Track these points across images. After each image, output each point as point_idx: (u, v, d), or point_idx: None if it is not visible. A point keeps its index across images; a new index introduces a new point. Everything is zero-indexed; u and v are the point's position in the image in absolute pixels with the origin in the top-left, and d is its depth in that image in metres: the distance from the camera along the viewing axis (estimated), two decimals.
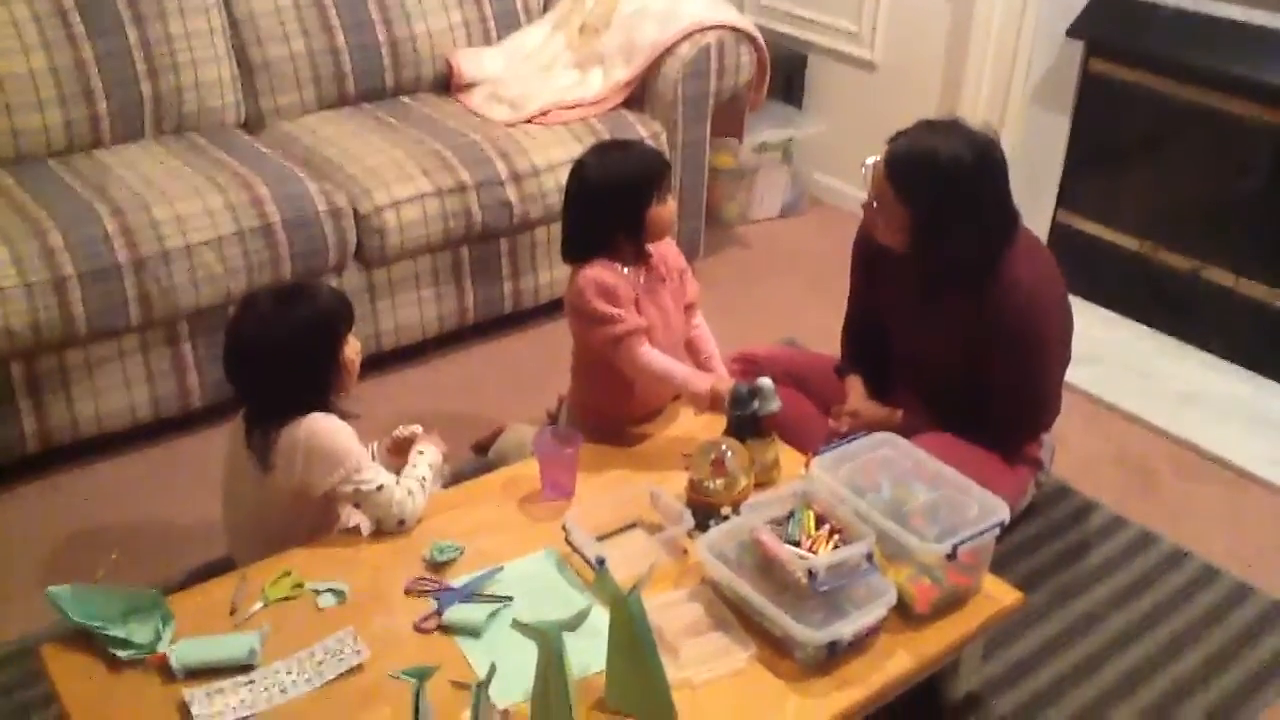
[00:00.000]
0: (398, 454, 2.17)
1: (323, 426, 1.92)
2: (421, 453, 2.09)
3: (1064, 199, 3.53)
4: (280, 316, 1.93)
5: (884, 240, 2.28)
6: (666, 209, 2.22)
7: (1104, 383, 3.07)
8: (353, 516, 2.04)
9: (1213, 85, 3.04)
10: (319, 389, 1.97)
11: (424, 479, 2.01)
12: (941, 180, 2.14)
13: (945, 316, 2.30)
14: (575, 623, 1.60)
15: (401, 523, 1.95)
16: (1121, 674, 2.18)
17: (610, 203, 2.19)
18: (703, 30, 3.26)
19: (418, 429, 2.19)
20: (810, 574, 1.75)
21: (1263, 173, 3.13)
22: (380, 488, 1.92)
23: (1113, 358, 3.19)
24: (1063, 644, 2.24)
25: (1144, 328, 3.36)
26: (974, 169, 2.15)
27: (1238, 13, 2.95)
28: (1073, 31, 3.28)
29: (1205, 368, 3.19)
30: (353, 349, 2.02)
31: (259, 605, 1.80)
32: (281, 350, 1.92)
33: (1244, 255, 3.16)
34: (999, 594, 1.93)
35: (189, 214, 2.64)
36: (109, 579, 2.25)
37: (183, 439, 2.76)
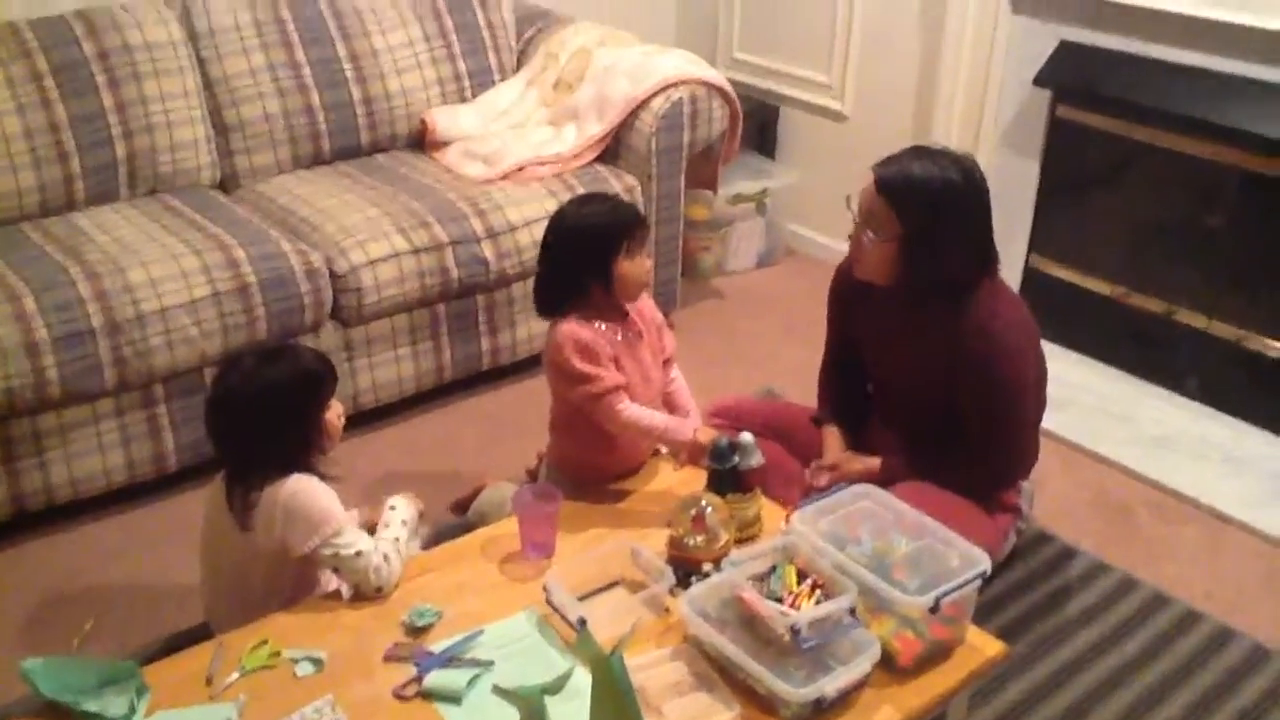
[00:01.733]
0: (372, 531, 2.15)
1: (304, 488, 1.91)
2: (393, 508, 2.07)
3: (1035, 244, 3.56)
4: (264, 376, 1.94)
5: (867, 273, 2.32)
6: (637, 265, 2.21)
7: (1080, 427, 3.08)
8: (332, 580, 2.02)
9: (1178, 129, 3.08)
10: (301, 450, 1.96)
11: (397, 540, 1.99)
12: (935, 198, 2.20)
13: (926, 344, 2.32)
14: (557, 686, 1.59)
15: (379, 589, 1.93)
16: None
17: (578, 251, 2.20)
18: (675, 84, 3.30)
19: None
20: (793, 630, 1.74)
21: (1231, 213, 3.18)
22: (359, 553, 1.90)
23: (1088, 401, 3.21)
24: (1047, 693, 2.24)
25: (1118, 371, 3.39)
26: (964, 189, 2.22)
27: (1199, 59, 3.01)
28: (1039, 80, 3.33)
29: (1180, 410, 3.21)
30: (335, 411, 2.02)
31: (236, 675, 1.77)
32: (264, 409, 1.92)
33: (1215, 297, 3.19)
34: (983, 645, 1.92)
35: (164, 276, 2.63)
36: (84, 648, 2.22)
37: (158, 503, 2.73)
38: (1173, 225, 3.30)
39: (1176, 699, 2.23)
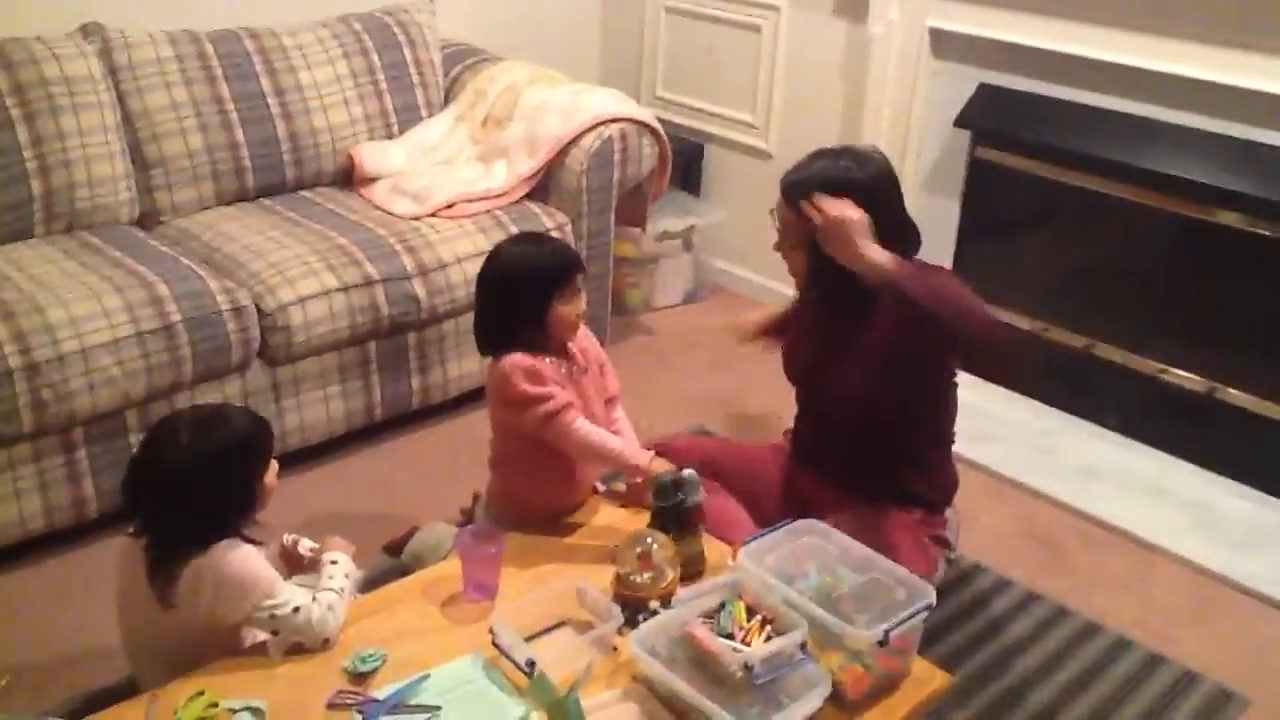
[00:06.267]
0: (288, 563, 2.09)
1: (230, 555, 1.82)
2: (335, 562, 2.00)
3: None
4: (199, 449, 1.83)
5: (798, 284, 2.39)
6: (571, 308, 2.21)
7: (1006, 460, 3.13)
8: (257, 635, 1.93)
9: (1093, 170, 3.18)
10: (232, 517, 1.87)
11: (341, 590, 1.93)
12: (830, 194, 2.21)
13: (863, 345, 2.32)
14: None
15: (326, 641, 1.87)
16: None
17: (512, 294, 2.19)
18: (606, 122, 3.31)
19: (305, 543, 2.10)
20: (747, 667, 1.73)
21: (1144, 252, 3.28)
22: (297, 609, 1.84)
23: (1013, 435, 3.26)
24: None
25: (1041, 405, 3.45)
26: (861, 182, 2.23)
27: (1114, 103, 3.11)
28: (960, 122, 3.41)
29: (1103, 442, 3.29)
30: (273, 472, 1.94)
31: None
32: (201, 484, 1.82)
33: (1132, 332, 3.29)
34: (928, 676, 1.93)
35: (84, 316, 2.54)
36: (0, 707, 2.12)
37: (78, 551, 2.62)
38: (1091, 263, 3.40)
39: None
